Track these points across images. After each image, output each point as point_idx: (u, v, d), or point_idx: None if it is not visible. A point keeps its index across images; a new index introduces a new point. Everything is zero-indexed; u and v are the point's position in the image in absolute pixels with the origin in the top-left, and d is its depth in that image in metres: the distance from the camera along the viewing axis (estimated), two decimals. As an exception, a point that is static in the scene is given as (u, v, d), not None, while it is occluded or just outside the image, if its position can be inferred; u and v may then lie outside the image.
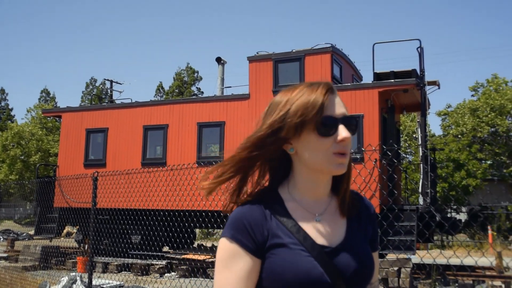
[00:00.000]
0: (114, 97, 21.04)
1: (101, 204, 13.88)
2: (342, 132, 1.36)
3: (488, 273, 11.46)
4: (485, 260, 13.46)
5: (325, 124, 1.36)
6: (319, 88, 1.39)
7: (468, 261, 12.94)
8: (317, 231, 1.40)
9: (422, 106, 12.81)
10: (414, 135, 25.41)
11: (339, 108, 1.40)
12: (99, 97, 37.33)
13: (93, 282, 8.28)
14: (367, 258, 1.43)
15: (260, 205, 1.41)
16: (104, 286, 10.14)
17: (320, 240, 1.38)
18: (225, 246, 1.37)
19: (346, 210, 1.48)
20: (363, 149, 10.85)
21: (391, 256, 11.40)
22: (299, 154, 1.42)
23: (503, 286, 10.42)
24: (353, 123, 1.41)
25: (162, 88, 40.67)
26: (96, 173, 8.57)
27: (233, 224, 1.38)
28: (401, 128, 19.91)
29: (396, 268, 10.73)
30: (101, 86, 39.00)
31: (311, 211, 1.43)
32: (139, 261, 13.57)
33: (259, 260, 1.36)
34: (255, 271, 1.36)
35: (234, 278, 1.33)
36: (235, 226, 1.37)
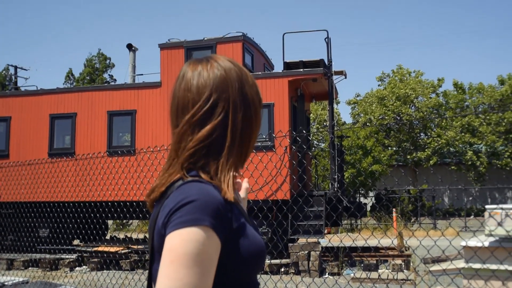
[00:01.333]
0: (19, 84, 19.92)
1: (4, 197, 13.28)
2: None
3: (390, 252, 12.12)
4: (389, 240, 14.33)
5: None
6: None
7: (374, 242, 13.68)
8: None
9: (329, 95, 13.28)
10: (325, 123, 26.27)
11: None
12: (1, 84, 35.11)
13: None
14: None
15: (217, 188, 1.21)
16: (6, 283, 9.72)
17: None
18: (201, 238, 1.07)
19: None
20: (273, 135, 11.13)
21: (301, 240, 11.80)
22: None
23: (403, 264, 11.06)
24: None
25: (72, 75, 38.94)
26: (-4, 165, 8.11)
27: (212, 209, 1.12)
28: (312, 116, 20.53)
29: (306, 252, 11.13)
30: (4, 72, 36.60)
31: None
32: (47, 255, 13.08)
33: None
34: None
35: (206, 279, 1.05)
36: (214, 213, 1.11)
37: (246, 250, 1.18)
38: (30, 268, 12.88)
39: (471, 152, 28.58)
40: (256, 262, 1.21)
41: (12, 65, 20.20)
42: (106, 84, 30.47)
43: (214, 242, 1.09)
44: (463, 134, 28.24)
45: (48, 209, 11.47)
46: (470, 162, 28.36)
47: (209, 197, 1.13)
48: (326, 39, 13.37)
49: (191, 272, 1.03)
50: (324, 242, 13.77)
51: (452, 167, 29.22)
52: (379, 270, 10.74)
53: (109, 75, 39.43)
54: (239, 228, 1.19)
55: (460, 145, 29.02)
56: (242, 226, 1.21)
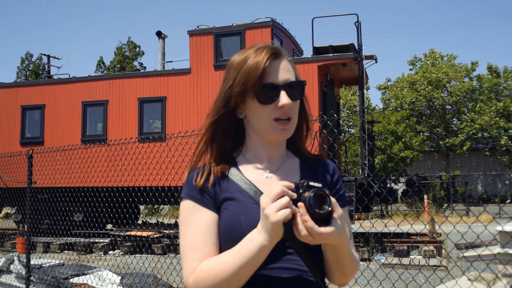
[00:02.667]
0: (52, 73, 20.24)
1: (40, 183, 13.59)
2: (283, 98, 1.38)
3: (422, 239, 11.94)
4: (421, 226, 14.13)
5: (265, 91, 1.39)
6: (263, 53, 1.40)
7: (406, 228, 13.50)
8: (267, 187, 1.39)
9: (360, 80, 13.12)
10: (355, 109, 26.00)
11: (283, 73, 1.41)
12: (35, 73, 35.72)
13: (33, 262, 8.06)
14: None
15: (213, 166, 1.47)
16: (43, 265, 9.95)
17: None
18: (183, 207, 1.44)
19: (300, 169, 1.53)
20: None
21: (331, 226, 11.71)
22: (248, 118, 1.48)
23: (434, 250, 10.89)
24: (297, 88, 1.43)
25: (103, 63, 39.43)
26: (31, 150, 8.26)
27: (187, 184, 1.46)
28: (342, 101, 20.33)
29: (336, 237, 11.02)
30: (37, 61, 37.22)
31: (262, 170, 1.48)
32: (81, 239, 13.37)
33: (216, 215, 1.41)
34: (215, 224, 1.40)
35: (196, 234, 1.38)
36: (189, 185, 1.45)
37: (230, 225, 1.38)
38: (65, 251, 13.18)
39: (506, 137, 27.89)
40: (226, 238, 1.38)
41: (45, 54, 20.60)
42: (136, 71, 30.74)
43: (186, 205, 1.44)
44: (497, 118, 27.55)
45: (82, 194, 11.68)
46: (504, 148, 27.70)
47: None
48: (356, 23, 13.18)
49: (179, 232, 1.44)
50: (355, 227, 13.69)
51: (486, 153, 28.60)
52: (411, 256, 10.60)
53: (139, 62, 39.81)
54: (222, 201, 1.42)
55: (495, 130, 28.34)
56: (226, 201, 1.41)
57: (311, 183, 1.25)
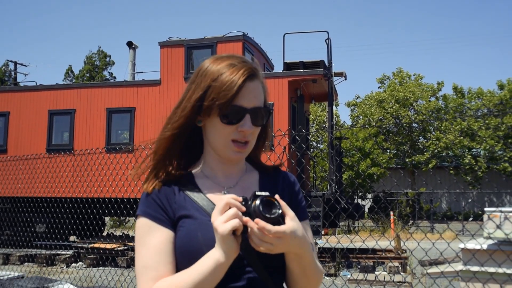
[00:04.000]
0: (18, 80, 19.79)
1: (1, 192, 13.24)
2: (246, 124, 1.36)
3: (387, 254, 12.05)
4: (386, 242, 14.27)
5: (230, 113, 1.36)
6: (239, 73, 1.36)
7: (371, 244, 13.61)
8: None
9: (329, 96, 13.24)
10: (324, 125, 26.23)
11: (253, 98, 1.37)
12: (1, 79, 34.81)
13: None
14: None
15: (169, 182, 1.43)
16: (1, 278, 9.66)
17: None
18: (138, 224, 1.39)
19: (259, 183, 1.50)
20: (273, 134, 11.08)
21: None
22: (206, 131, 1.44)
23: (399, 266, 10.99)
24: (262, 114, 1.40)
25: (72, 72, 38.75)
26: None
27: (143, 201, 1.41)
28: (311, 117, 20.49)
29: (302, 252, 11.01)
30: (3, 67, 36.32)
31: (220, 185, 1.45)
32: (43, 251, 13.01)
33: (172, 233, 1.36)
34: (171, 243, 1.35)
35: (151, 253, 1.33)
36: (144, 202, 1.40)
37: (185, 243, 1.34)
38: (26, 263, 12.79)
39: (470, 156, 28.55)
40: (182, 257, 1.34)
41: (11, 61, 20.15)
42: (105, 81, 30.33)
43: (141, 223, 1.39)
44: (462, 138, 28.21)
45: (45, 205, 11.41)
46: (468, 166, 28.33)
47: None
48: (327, 40, 13.34)
49: (135, 250, 1.38)
50: (322, 243, 13.71)
51: (451, 171, 29.20)
52: (376, 272, 10.66)
53: (109, 72, 39.33)
54: (179, 219, 1.38)
55: (459, 149, 29.00)
56: (183, 218, 1.37)
57: (258, 193, 1.25)
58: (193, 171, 1.49)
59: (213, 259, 1.24)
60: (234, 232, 1.21)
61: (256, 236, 1.21)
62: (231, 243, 1.22)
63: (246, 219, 1.21)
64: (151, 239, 1.35)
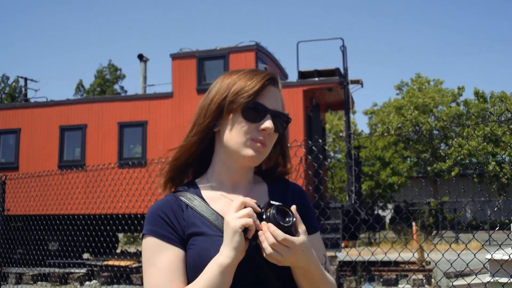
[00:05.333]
0: (29, 96, 19.85)
1: (13, 210, 13.11)
2: (267, 122, 1.37)
3: (411, 267, 11.68)
4: (409, 254, 13.84)
5: (253, 109, 1.37)
6: (261, 76, 1.40)
7: (394, 256, 13.19)
8: None
9: (346, 104, 12.99)
10: (341, 134, 25.89)
11: (274, 102, 1.41)
12: (11, 96, 35.15)
13: None
14: None
15: (176, 197, 1.41)
16: (15, 298, 9.53)
17: None
18: (146, 244, 1.35)
19: (268, 195, 1.49)
20: (288, 145, 10.80)
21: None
22: (221, 133, 1.43)
23: (424, 279, 10.63)
24: (283, 120, 1.43)
25: (83, 86, 38.91)
26: (4, 176, 7.92)
27: (149, 219, 1.37)
28: (327, 126, 20.15)
29: (322, 266, 10.70)
30: (14, 84, 36.65)
31: (230, 198, 1.41)
32: (56, 269, 12.86)
33: (183, 251, 1.33)
34: (182, 261, 1.32)
35: (162, 273, 1.30)
36: (151, 221, 1.36)
37: (198, 262, 1.31)
38: (39, 282, 12.66)
39: (494, 162, 27.83)
40: (194, 275, 1.29)
41: (22, 77, 20.18)
42: (116, 95, 30.41)
43: (149, 242, 1.35)
44: (485, 143, 27.53)
45: (58, 222, 11.28)
46: (493, 173, 27.61)
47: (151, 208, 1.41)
48: (342, 48, 13.19)
49: (143, 270, 1.35)
50: (342, 256, 13.33)
51: (474, 179, 28.50)
52: (399, 285, 10.32)
53: (119, 86, 39.43)
54: (189, 237, 1.34)
55: (483, 156, 28.30)
56: (194, 236, 1.34)
57: (272, 202, 1.27)
58: (200, 184, 1.47)
59: (218, 262, 1.23)
60: (245, 233, 1.22)
61: (266, 242, 1.22)
62: (240, 240, 1.21)
63: (260, 227, 1.23)
64: (161, 259, 1.32)
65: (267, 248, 1.21)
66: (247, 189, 1.47)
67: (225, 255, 1.22)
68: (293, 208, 1.28)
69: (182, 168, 1.48)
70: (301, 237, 1.25)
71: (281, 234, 1.21)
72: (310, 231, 1.40)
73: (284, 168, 1.55)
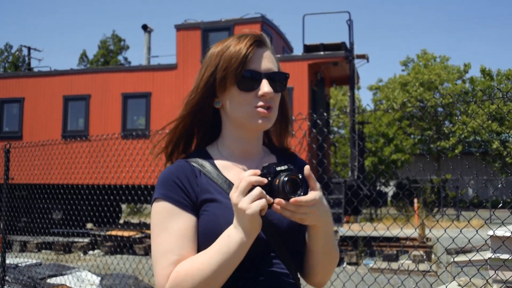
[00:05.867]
0: (32, 65, 19.79)
1: (17, 179, 13.18)
2: (265, 87, 1.35)
3: (411, 243, 11.73)
4: (411, 231, 13.91)
5: (246, 78, 1.35)
6: (245, 40, 1.36)
7: (395, 232, 13.28)
8: None
9: (351, 79, 12.90)
10: (345, 109, 25.78)
11: (266, 62, 1.38)
12: (15, 65, 34.95)
13: (8, 261, 7.81)
14: None
15: (189, 164, 1.39)
16: (20, 264, 9.67)
17: None
18: (158, 208, 1.34)
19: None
20: (293, 118, 10.76)
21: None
22: (224, 108, 1.42)
23: (424, 255, 10.68)
24: (279, 79, 1.39)
25: (86, 56, 38.65)
26: (8, 145, 7.92)
27: (162, 183, 1.35)
28: (332, 102, 20.05)
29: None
30: (17, 53, 36.38)
31: (241, 168, 1.42)
32: (60, 238, 12.98)
33: (195, 217, 1.33)
34: (194, 228, 1.32)
35: (174, 237, 1.29)
36: (164, 185, 1.34)
37: (212, 228, 1.30)
38: (43, 250, 12.79)
39: (498, 141, 27.74)
40: (205, 242, 1.29)
41: (25, 46, 20.09)
42: (120, 66, 30.21)
43: (162, 207, 1.33)
44: (490, 122, 27.38)
45: (61, 192, 11.34)
46: (496, 152, 27.55)
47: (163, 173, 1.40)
48: (348, 21, 13.03)
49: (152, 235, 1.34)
50: (343, 230, 13.40)
51: (477, 157, 28.44)
52: (400, 261, 10.38)
53: (123, 57, 39.13)
54: (202, 203, 1.34)
55: (487, 134, 28.20)
56: (207, 203, 1.33)
57: (278, 168, 1.23)
58: (210, 152, 1.46)
59: (236, 238, 1.22)
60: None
61: (286, 213, 1.22)
62: (258, 222, 1.20)
63: (278, 200, 1.21)
64: (173, 224, 1.31)
65: (290, 216, 1.23)
66: (258, 159, 1.46)
67: (243, 234, 1.21)
68: (306, 168, 1.26)
69: (183, 138, 1.48)
70: (319, 192, 1.25)
71: (303, 199, 1.20)
72: None
73: (286, 131, 1.53)
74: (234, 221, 1.23)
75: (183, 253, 1.29)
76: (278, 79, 1.39)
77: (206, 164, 1.40)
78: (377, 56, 69.84)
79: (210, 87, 1.39)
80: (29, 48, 19.72)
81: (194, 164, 1.39)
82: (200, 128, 1.48)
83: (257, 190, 1.19)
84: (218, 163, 1.42)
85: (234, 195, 1.21)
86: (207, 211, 1.32)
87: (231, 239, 1.22)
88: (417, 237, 12.04)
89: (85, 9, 77.15)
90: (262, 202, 1.18)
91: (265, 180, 1.22)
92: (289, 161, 1.51)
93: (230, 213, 1.27)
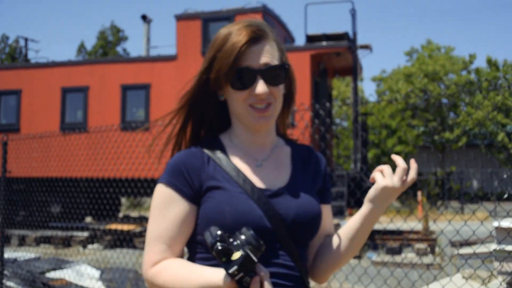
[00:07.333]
0: (29, 57, 19.66)
1: (15, 172, 13.07)
2: (259, 86, 1.33)
3: (414, 236, 11.63)
4: (414, 223, 13.81)
5: (239, 77, 1.33)
6: (241, 35, 1.33)
7: (398, 225, 13.17)
8: (257, 176, 1.38)
9: (354, 70, 12.76)
10: (348, 101, 25.64)
11: (262, 57, 1.34)
12: (12, 56, 34.88)
13: (6, 255, 7.77)
14: (311, 205, 1.39)
15: (199, 150, 1.40)
16: (18, 259, 9.62)
17: (260, 184, 1.37)
18: (160, 192, 1.36)
19: (291, 157, 1.48)
20: (295, 108, 10.60)
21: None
22: (228, 104, 1.43)
23: (428, 248, 10.58)
24: (276, 74, 1.36)
25: (84, 48, 38.45)
26: (6, 137, 7.79)
27: (170, 169, 1.37)
28: (334, 93, 19.86)
29: (325, 233, 10.66)
30: (14, 44, 36.24)
31: (252, 157, 1.43)
32: (59, 232, 12.90)
33: (195, 207, 1.35)
34: (190, 217, 1.34)
35: (168, 225, 1.33)
36: (171, 171, 1.36)
37: (215, 215, 1.30)
38: (42, 244, 12.74)
39: (503, 133, 27.52)
40: (207, 226, 1.28)
41: (22, 37, 19.96)
42: (119, 56, 30.07)
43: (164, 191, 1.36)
44: (495, 113, 27.16)
45: (60, 185, 11.24)
46: (501, 144, 27.35)
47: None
48: (352, 11, 12.85)
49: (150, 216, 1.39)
50: (346, 223, 13.27)
51: (482, 150, 28.25)
52: (403, 254, 10.28)
53: (122, 48, 38.94)
54: (207, 190, 1.34)
55: (492, 126, 28.00)
56: (212, 190, 1.33)
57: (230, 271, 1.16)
58: (222, 139, 1.46)
59: (214, 283, 1.21)
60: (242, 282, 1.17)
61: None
62: None
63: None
64: (171, 210, 1.34)
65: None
66: (270, 150, 1.47)
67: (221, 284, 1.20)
68: (412, 165, 1.41)
69: (183, 130, 1.48)
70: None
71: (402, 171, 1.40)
72: (326, 202, 1.50)
73: (286, 115, 1.53)
74: (220, 279, 1.20)
75: (171, 243, 1.32)
76: (276, 73, 1.36)
77: (217, 151, 1.40)
78: (380, 46, 69.28)
79: (204, 83, 1.40)
80: (26, 39, 19.62)
81: (205, 151, 1.40)
82: (208, 116, 1.48)
83: None
84: (229, 151, 1.43)
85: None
86: (212, 198, 1.33)
87: (212, 279, 1.22)
88: (420, 229, 11.92)
89: (82, -1, 76.66)
90: None
91: None
92: (306, 154, 1.52)
93: (236, 201, 1.30)
